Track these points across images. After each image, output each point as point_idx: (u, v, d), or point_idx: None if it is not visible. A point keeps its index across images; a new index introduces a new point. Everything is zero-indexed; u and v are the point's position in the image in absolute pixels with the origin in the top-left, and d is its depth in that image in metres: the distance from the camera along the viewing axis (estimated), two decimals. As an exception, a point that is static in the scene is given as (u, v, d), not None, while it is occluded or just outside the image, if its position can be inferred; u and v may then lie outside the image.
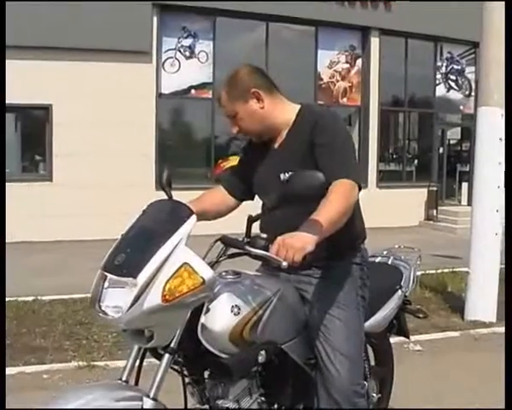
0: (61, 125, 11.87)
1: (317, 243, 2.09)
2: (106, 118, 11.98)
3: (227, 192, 2.79)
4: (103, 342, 5.25)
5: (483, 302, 6.20)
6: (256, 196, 2.79)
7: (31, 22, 10.83)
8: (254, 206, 2.71)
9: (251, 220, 2.34)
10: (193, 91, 13.41)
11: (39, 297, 6.64)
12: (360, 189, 2.38)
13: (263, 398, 2.51)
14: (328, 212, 2.21)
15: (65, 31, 11.26)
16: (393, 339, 3.51)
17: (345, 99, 14.84)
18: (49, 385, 4.36)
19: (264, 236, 2.22)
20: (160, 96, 12.89)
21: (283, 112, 2.57)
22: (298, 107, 2.60)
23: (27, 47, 10.92)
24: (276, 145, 2.61)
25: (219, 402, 2.37)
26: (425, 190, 15.28)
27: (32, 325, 5.71)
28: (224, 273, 2.41)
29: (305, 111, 2.57)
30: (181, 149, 14.01)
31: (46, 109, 11.99)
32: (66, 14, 11.25)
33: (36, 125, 12.42)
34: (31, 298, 6.55)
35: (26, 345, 5.14)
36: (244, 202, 2.86)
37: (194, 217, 2.21)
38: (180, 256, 2.09)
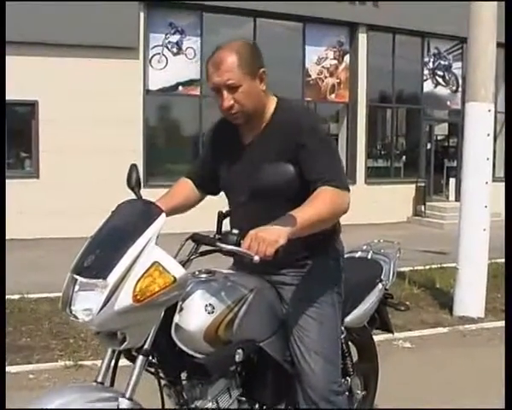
0: (47, 122, 11.78)
1: (290, 240, 2.04)
2: (93, 114, 11.89)
3: (193, 185, 2.71)
4: (91, 341, 5.18)
5: (471, 298, 6.21)
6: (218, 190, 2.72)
7: (16, 18, 10.71)
8: (224, 202, 2.67)
9: (222, 216, 2.31)
10: (180, 88, 13.35)
11: (25, 295, 6.57)
12: (348, 192, 2.32)
13: (243, 398, 2.48)
14: (308, 212, 2.16)
15: (51, 26, 11.17)
16: (382, 336, 3.50)
17: (333, 95, 14.84)
18: (35, 385, 4.30)
19: (236, 231, 2.17)
20: (147, 92, 12.83)
21: (269, 103, 2.46)
22: (274, 100, 2.48)
23: (13, 42, 10.77)
24: (248, 141, 2.48)
25: (198, 403, 2.33)
26: (413, 186, 15.32)
27: (18, 324, 5.65)
28: (197, 273, 2.38)
29: (283, 107, 2.46)
30: (169, 145, 13.97)
31: (32, 106, 11.90)
32: (52, 10, 11.15)
33: (22, 121, 12.30)
34: (17, 296, 6.48)
35: (11, 344, 5.06)
36: (214, 199, 2.79)
37: (163, 215, 2.17)
38: (150, 255, 2.05)
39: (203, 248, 2.30)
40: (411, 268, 7.70)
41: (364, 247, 3.38)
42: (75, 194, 11.68)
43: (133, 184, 2.36)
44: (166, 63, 13.09)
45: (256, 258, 1.99)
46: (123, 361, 2.25)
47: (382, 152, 16.28)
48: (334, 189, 2.24)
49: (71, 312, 2.05)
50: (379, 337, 3.43)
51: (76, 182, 11.75)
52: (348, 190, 2.30)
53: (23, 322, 5.73)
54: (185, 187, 2.72)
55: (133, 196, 2.34)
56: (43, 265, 8.90)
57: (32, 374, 4.52)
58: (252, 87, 2.34)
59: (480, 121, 6.07)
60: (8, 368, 4.54)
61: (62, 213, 11.56)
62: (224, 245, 2.16)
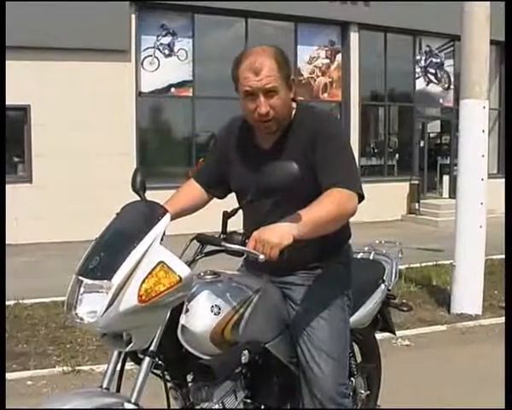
0: (39, 126, 11.71)
1: (300, 244, 2.03)
2: (85, 117, 11.83)
3: (201, 187, 2.69)
4: (88, 345, 5.17)
5: (469, 295, 6.21)
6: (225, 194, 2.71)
7: (6, 22, 10.65)
8: (228, 202, 2.64)
9: (226, 216, 2.29)
10: (173, 90, 13.33)
11: (21, 301, 6.53)
12: (362, 199, 2.28)
13: (248, 399, 2.47)
14: (315, 213, 2.12)
15: (42, 30, 11.09)
16: (381, 335, 3.49)
17: (325, 94, 14.83)
18: (34, 392, 4.28)
19: (241, 231, 2.18)
20: (139, 94, 12.78)
21: (291, 110, 2.42)
22: (294, 105, 2.45)
23: (3, 47, 10.75)
24: (267, 146, 2.45)
25: (204, 405, 2.32)
26: (407, 184, 15.33)
27: (14, 330, 5.60)
28: (202, 274, 2.37)
29: (303, 113, 2.44)
30: (161, 147, 13.91)
31: (24, 110, 11.82)
32: (43, 14, 11.08)
33: (14, 126, 12.21)
34: (12, 302, 6.43)
35: (8, 351, 5.02)
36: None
37: (168, 215, 2.17)
38: (155, 255, 2.05)
39: (208, 248, 2.28)
40: (407, 266, 7.70)
41: (366, 248, 3.38)
42: (68, 198, 11.61)
43: (138, 186, 2.35)
44: (158, 65, 13.05)
45: (261, 257, 2.00)
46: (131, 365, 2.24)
47: (375, 150, 16.28)
48: (343, 190, 2.20)
49: (76, 314, 2.02)
50: (377, 336, 3.42)
51: (69, 186, 11.69)
52: (359, 195, 2.26)
53: (19, 328, 5.69)
54: (192, 189, 2.71)
55: (133, 199, 2.33)
56: (36, 269, 8.85)
57: (30, 381, 4.50)
58: (286, 94, 2.33)
59: (475, 118, 6.07)
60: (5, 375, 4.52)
61: (55, 217, 11.51)
62: (229, 245, 2.16)
